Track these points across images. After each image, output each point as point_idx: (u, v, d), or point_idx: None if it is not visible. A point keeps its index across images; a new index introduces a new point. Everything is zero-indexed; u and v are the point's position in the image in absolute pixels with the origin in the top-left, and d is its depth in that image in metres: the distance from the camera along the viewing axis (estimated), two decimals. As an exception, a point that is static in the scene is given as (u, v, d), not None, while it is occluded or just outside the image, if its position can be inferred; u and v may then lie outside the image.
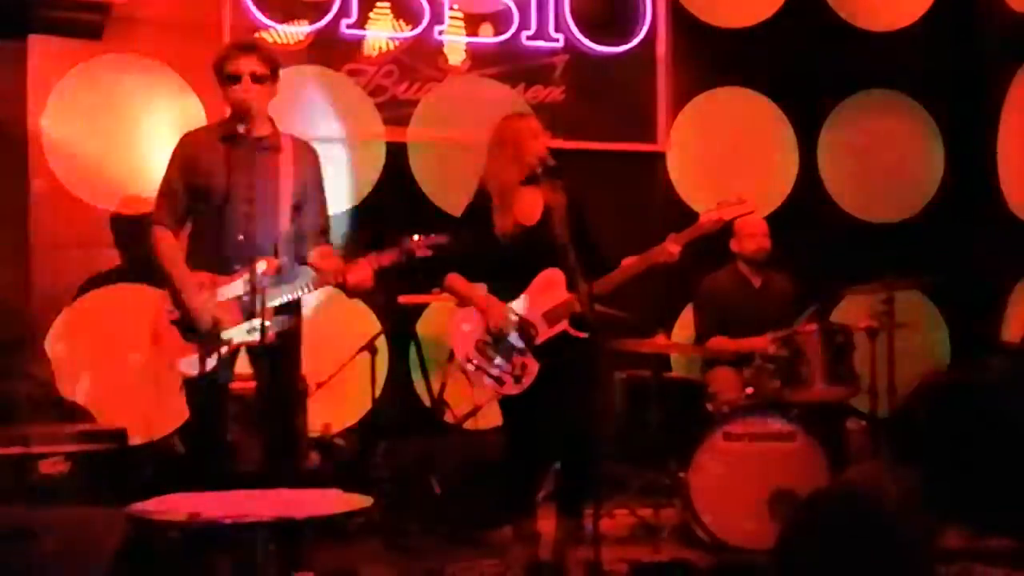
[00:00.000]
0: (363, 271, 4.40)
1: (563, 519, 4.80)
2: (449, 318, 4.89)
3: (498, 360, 4.70)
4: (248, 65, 4.37)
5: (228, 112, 4.51)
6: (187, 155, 4.48)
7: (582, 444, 4.68)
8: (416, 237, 4.55)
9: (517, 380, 4.68)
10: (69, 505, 4.45)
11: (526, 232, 4.77)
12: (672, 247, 4.76)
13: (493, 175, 4.85)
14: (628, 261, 4.78)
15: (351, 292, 4.48)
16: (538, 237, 4.73)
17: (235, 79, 4.36)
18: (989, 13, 7.12)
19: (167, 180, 4.50)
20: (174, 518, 3.23)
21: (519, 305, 4.75)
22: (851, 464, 5.78)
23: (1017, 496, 5.09)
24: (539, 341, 4.70)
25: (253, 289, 4.19)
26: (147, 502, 3.39)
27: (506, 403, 4.77)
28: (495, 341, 4.71)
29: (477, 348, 4.73)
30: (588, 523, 4.65)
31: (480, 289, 4.82)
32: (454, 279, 4.84)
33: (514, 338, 4.70)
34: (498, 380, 4.69)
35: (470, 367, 4.74)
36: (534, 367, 4.68)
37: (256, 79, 4.38)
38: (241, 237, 4.28)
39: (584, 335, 4.63)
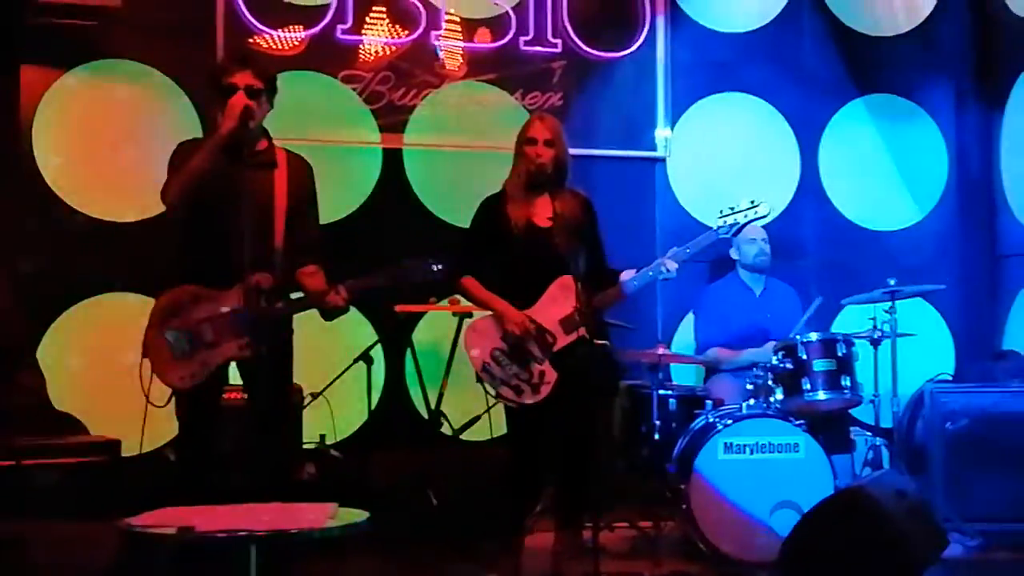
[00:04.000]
0: (338, 296, 4.35)
1: (561, 531, 4.76)
2: (463, 328, 4.86)
3: (515, 369, 4.66)
4: (243, 79, 4.34)
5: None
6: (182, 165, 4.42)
7: (585, 454, 4.64)
8: (408, 264, 4.47)
9: (535, 389, 4.64)
10: (61, 517, 4.39)
11: (538, 233, 4.76)
12: (670, 264, 4.70)
13: (510, 174, 4.87)
14: (626, 275, 4.74)
15: (326, 315, 4.43)
16: (550, 241, 4.71)
17: (231, 92, 4.33)
18: (992, 17, 7.07)
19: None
20: (166, 532, 3.18)
21: (535, 312, 4.71)
22: (855, 474, 5.76)
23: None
24: (556, 349, 4.66)
25: (247, 303, 4.13)
26: (139, 516, 3.34)
27: (518, 413, 4.72)
28: (512, 349, 4.67)
29: (493, 357, 4.69)
30: (588, 536, 4.61)
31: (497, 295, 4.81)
32: (470, 283, 4.82)
33: (532, 346, 4.66)
34: (516, 389, 4.65)
35: (487, 376, 4.69)
36: (552, 375, 4.64)
37: (252, 93, 4.35)
38: (235, 252, 4.23)
39: (605, 343, 4.59)
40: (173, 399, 4.41)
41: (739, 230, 4.82)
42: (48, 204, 5.92)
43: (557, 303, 4.69)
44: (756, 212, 4.75)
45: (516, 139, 4.85)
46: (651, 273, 4.70)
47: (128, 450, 5.13)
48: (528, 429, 4.73)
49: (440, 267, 4.42)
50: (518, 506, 4.84)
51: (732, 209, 4.77)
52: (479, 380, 4.76)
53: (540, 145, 4.77)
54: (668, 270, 4.67)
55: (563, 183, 4.79)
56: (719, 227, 4.76)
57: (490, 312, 4.79)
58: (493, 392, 4.74)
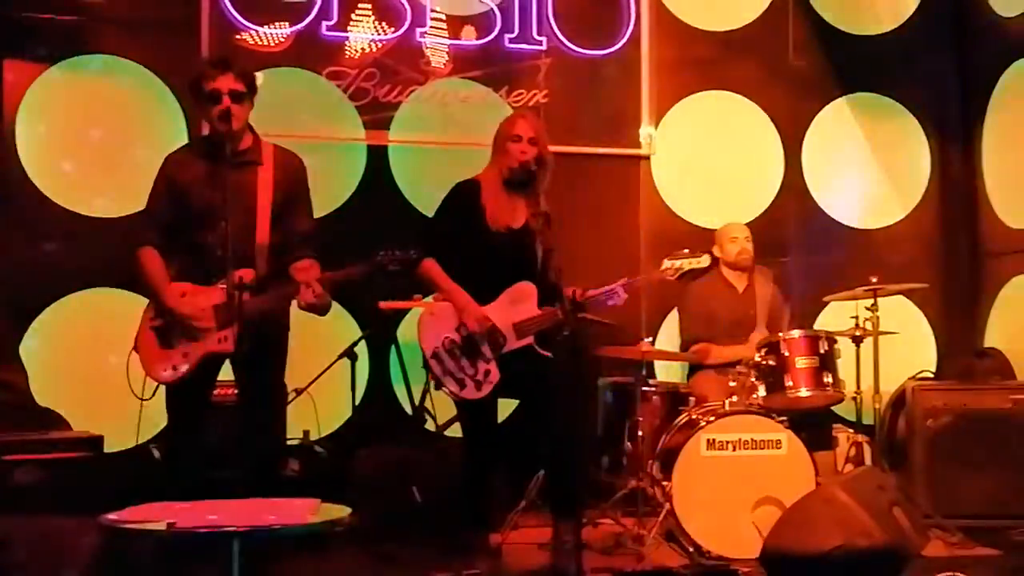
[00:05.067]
0: (312, 292, 4.40)
1: (555, 525, 4.84)
2: (421, 315, 4.89)
3: (463, 362, 4.71)
4: (226, 83, 4.41)
5: (208, 129, 4.59)
6: (170, 177, 4.55)
7: (558, 451, 4.68)
8: (384, 255, 4.55)
9: (478, 386, 4.71)
10: (43, 513, 4.38)
11: (511, 233, 4.78)
12: (623, 293, 4.83)
13: (487, 169, 4.91)
14: (592, 294, 4.80)
15: (306, 308, 4.48)
16: (519, 242, 4.75)
17: (214, 99, 4.38)
18: (975, 17, 7.09)
19: (152, 202, 4.58)
20: (148, 527, 3.19)
21: (491, 311, 4.75)
22: (837, 471, 5.78)
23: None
24: (505, 351, 4.71)
25: (230, 298, 4.17)
26: (122, 511, 3.35)
27: (463, 407, 4.83)
28: (464, 343, 4.71)
29: (445, 347, 4.73)
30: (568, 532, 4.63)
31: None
32: (432, 266, 4.84)
33: (483, 344, 4.69)
34: (460, 383, 4.71)
35: (435, 363, 4.72)
36: (495, 376, 4.70)
37: (235, 98, 4.42)
38: (219, 250, 4.32)
39: (547, 353, 4.66)
40: (164, 394, 4.47)
41: (682, 275, 5.02)
42: (31, 199, 5.89)
43: (514, 306, 4.76)
44: (699, 261, 4.96)
45: (496, 135, 4.87)
46: (602, 297, 4.79)
47: (119, 444, 5.15)
48: (475, 424, 4.83)
49: (415, 253, 4.50)
50: (474, 499, 4.91)
51: (677, 255, 4.99)
52: (425, 366, 4.80)
53: (525, 142, 4.79)
54: (618, 295, 4.78)
55: (542, 183, 4.81)
56: (664, 268, 4.95)
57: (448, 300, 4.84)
58: (435, 382, 4.80)
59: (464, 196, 4.87)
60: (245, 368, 4.49)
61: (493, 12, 6.62)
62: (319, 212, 5.94)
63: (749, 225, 6.38)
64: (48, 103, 5.95)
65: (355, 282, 4.52)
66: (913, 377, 6.21)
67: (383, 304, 5.91)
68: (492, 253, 4.80)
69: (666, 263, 4.95)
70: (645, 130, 6.86)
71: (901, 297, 6.82)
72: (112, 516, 3.30)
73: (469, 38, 6.62)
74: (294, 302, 4.56)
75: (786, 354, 5.40)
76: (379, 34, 6.47)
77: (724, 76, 7.05)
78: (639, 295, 6.61)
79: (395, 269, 4.56)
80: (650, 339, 5.56)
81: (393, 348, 6.13)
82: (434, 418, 5.82)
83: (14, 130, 5.89)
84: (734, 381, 5.43)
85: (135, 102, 6.07)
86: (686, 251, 4.98)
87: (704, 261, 4.98)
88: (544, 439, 4.78)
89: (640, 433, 5.34)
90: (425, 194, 6.40)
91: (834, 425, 6.06)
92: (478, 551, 4.94)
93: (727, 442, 5.09)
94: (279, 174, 4.55)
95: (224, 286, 4.29)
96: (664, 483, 5.11)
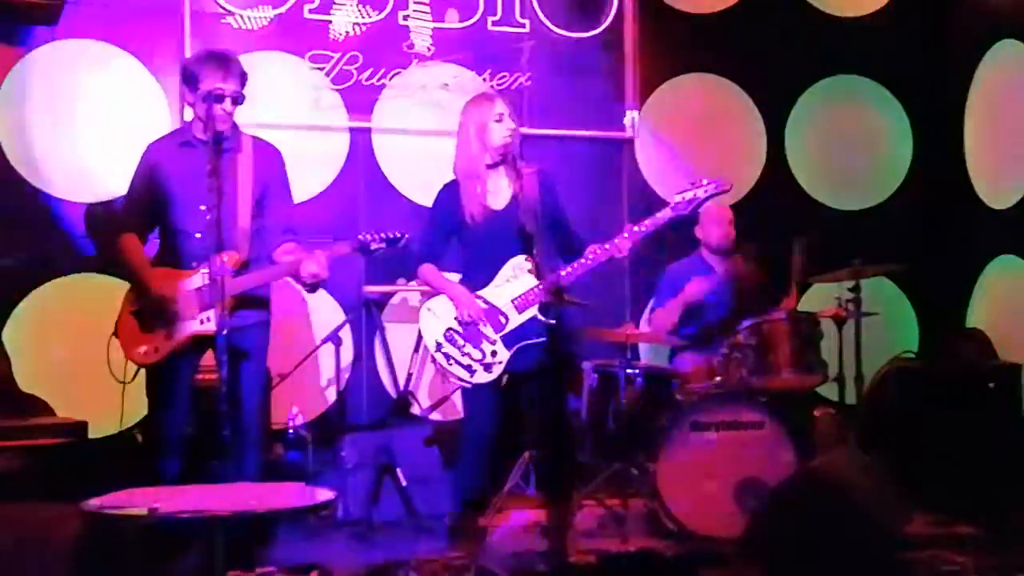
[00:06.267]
0: (315, 263, 4.42)
1: (551, 507, 4.81)
2: (420, 309, 4.90)
3: (468, 349, 4.73)
4: (230, 87, 4.45)
5: (192, 115, 4.64)
6: (151, 165, 4.62)
7: (554, 430, 4.70)
8: (368, 235, 4.62)
9: (487, 369, 4.73)
10: (26, 500, 4.38)
11: (494, 216, 4.82)
12: (622, 242, 4.77)
13: (459, 159, 4.92)
14: (591, 250, 4.79)
15: (308, 286, 4.51)
16: (506, 222, 4.78)
17: (215, 98, 4.41)
18: (957, -1, 7.12)
19: (132, 190, 4.68)
20: (131, 513, 3.20)
21: (489, 293, 4.76)
22: (819, 452, 5.80)
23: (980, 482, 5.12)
24: (508, 328, 4.71)
25: (212, 281, 4.18)
26: (104, 497, 3.35)
27: (471, 392, 4.78)
28: (465, 330, 4.73)
29: (447, 337, 4.77)
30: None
31: (452, 280, 4.88)
32: (427, 270, 4.91)
33: (484, 326, 4.72)
34: (468, 369, 4.72)
35: (440, 356, 4.74)
36: (504, 355, 4.72)
37: (235, 101, 4.48)
38: (199, 235, 4.36)
39: (553, 322, 4.65)
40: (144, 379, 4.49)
41: (698, 205, 4.92)
42: (12, 185, 5.85)
43: (510, 283, 4.77)
44: (715, 187, 4.89)
45: (471, 118, 4.87)
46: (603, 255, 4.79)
47: (102, 430, 5.15)
48: (487, 407, 4.81)
49: (400, 235, 4.52)
50: (481, 484, 4.90)
51: (687, 188, 4.91)
52: (434, 360, 4.82)
53: (507, 120, 4.81)
54: (619, 250, 4.76)
55: (518, 155, 4.83)
56: (676, 203, 4.89)
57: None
58: (446, 372, 4.81)
59: (445, 201, 4.93)
60: (227, 352, 4.49)
61: (476, -6, 6.60)
62: (303, 196, 5.98)
63: (732, 207, 6.38)
64: (28, 88, 5.89)
65: (338, 261, 4.57)
66: (895, 358, 6.23)
67: (368, 288, 5.91)
68: (485, 241, 4.83)
69: (676, 198, 4.92)
70: (629, 113, 6.85)
71: (883, 278, 6.84)
72: (95, 502, 3.31)
73: (452, 21, 6.60)
74: (288, 280, 4.61)
75: (769, 335, 5.42)
76: (362, 17, 6.44)
77: (707, 58, 7.04)
78: (622, 276, 6.64)
79: (379, 248, 4.60)
80: (634, 321, 5.55)
81: (378, 332, 6.13)
82: (419, 402, 5.83)
83: (-6, 115, 5.86)
84: (718, 363, 5.45)
85: (116, 87, 6.02)
86: (696, 181, 4.94)
87: (723, 185, 4.93)
88: (534, 420, 4.81)
89: (624, 415, 5.35)
90: (409, 177, 6.40)
91: (816, 406, 6.07)
92: (464, 535, 4.95)
93: (710, 423, 5.12)
94: (258, 163, 4.60)
95: (206, 270, 4.32)
96: (648, 464, 5.13)
